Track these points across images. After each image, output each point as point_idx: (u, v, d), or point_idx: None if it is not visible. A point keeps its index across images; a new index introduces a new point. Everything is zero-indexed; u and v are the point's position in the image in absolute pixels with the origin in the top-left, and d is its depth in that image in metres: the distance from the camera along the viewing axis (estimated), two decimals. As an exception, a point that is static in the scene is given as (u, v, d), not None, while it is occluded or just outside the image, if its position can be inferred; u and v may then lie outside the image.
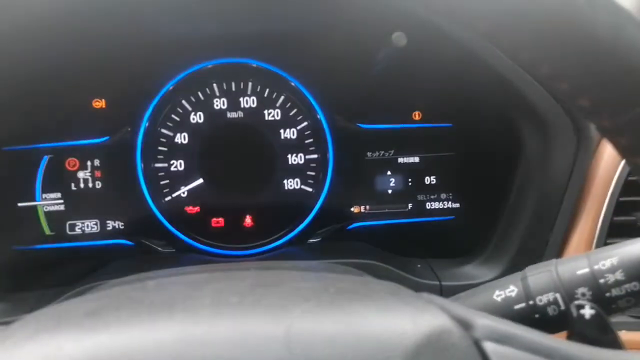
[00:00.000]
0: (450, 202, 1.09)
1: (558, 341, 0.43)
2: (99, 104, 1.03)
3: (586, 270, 0.57)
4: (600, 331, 0.49)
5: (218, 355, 0.36)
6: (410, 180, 1.09)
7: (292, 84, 1.03)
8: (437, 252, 1.03)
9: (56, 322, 0.41)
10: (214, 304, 0.41)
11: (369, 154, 1.08)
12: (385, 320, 0.40)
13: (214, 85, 1.03)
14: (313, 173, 1.06)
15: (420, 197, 1.09)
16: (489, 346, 0.41)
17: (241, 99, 1.04)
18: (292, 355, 0.36)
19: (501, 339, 0.42)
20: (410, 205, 1.09)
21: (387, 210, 1.08)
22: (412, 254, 1.02)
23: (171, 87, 1.01)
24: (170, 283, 0.49)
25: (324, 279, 0.49)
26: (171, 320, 0.39)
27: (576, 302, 0.52)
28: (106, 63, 0.97)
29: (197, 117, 1.03)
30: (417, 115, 1.08)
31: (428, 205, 1.09)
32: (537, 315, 0.58)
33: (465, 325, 0.43)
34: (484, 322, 0.44)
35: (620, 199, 0.87)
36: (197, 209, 1.04)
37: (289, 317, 0.39)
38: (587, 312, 0.50)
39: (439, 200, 1.09)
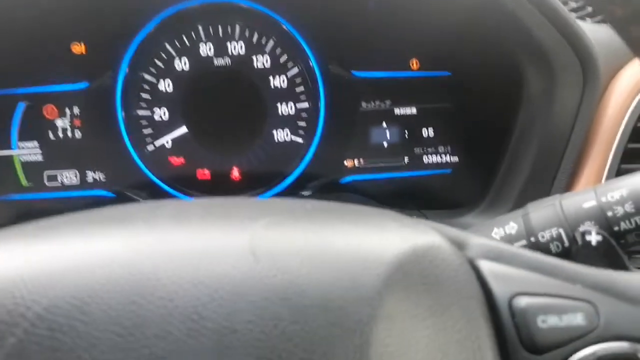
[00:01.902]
0: (448, 156, 1.04)
1: (561, 260, 0.38)
2: (79, 48, 0.97)
3: (593, 203, 0.52)
4: (607, 259, 0.45)
5: (177, 264, 0.32)
6: (406, 132, 1.03)
7: (283, 26, 0.97)
8: (434, 206, 0.98)
9: (2, 235, 0.37)
10: (174, 216, 0.36)
11: (363, 104, 1.02)
12: (367, 233, 0.36)
13: (200, 28, 0.97)
14: (304, 123, 1.00)
15: (417, 151, 1.04)
16: (484, 265, 0.37)
17: (228, 44, 0.98)
18: (258, 264, 0.32)
19: (498, 258, 0.37)
20: (406, 159, 1.04)
21: (382, 164, 1.03)
22: (408, 208, 0.97)
23: (153, 29, 0.95)
24: (133, 205, 0.44)
25: (303, 201, 0.44)
26: (126, 230, 0.35)
27: (581, 229, 0.47)
28: (86, 3, 0.92)
29: (181, 63, 0.98)
30: (414, 64, 1.02)
31: (425, 159, 1.04)
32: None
33: (458, 245, 0.38)
34: (479, 241, 0.39)
35: (629, 145, 0.82)
36: (181, 160, 0.99)
37: (254, 226, 0.34)
38: (594, 238, 0.45)
39: (436, 153, 1.04)
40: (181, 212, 0.36)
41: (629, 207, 0.51)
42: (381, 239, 0.35)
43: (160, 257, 0.31)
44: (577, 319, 0.33)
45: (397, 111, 1.03)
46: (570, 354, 0.33)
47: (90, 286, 0.30)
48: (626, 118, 0.82)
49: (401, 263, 0.33)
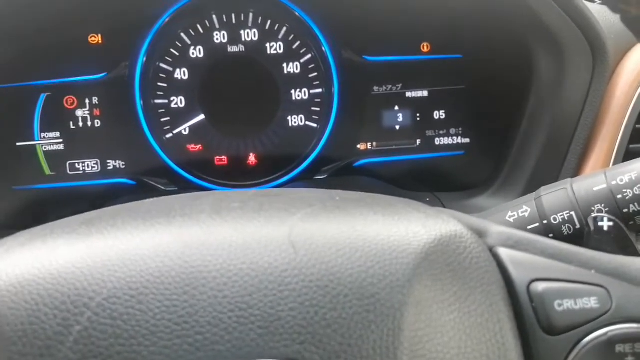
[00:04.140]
0: (460, 137, 1.06)
1: (577, 248, 0.41)
2: (95, 39, 0.99)
3: (603, 186, 0.55)
4: (618, 243, 0.47)
5: (224, 257, 0.34)
6: (418, 115, 1.05)
7: (296, 13, 0.99)
8: (446, 188, 1.00)
9: (50, 231, 0.40)
10: (214, 210, 0.39)
11: (375, 88, 1.04)
12: (394, 224, 0.38)
13: (214, 16, 0.99)
14: (318, 108, 1.03)
15: (428, 133, 1.06)
16: (503, 252, 0.39)
17: (242, 31, 1.00)
18: (297, 256, 0.34)
19: (516, 245, 0.40)
20: (418, 141, 1.06)
21: (394, 147, 1.06)
22: (421, 190, 1.00)
23: (168, 19, 0.97)
24: (169, 198, 0.47)
25: (331, 192, 0.46)
26: (169, 224, 0.37)
27: (593, 215, 0.49)
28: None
29: (196, 52, 0.99)
30: (425, 47, 1.04)
31: (437, 141, 1.06)
32: (551, 235, 0.56)
33: (478, 233, 0.41)
34: (498, 229, 0.42)
35: (637, 126, 0.83)
36: (199, 146, 1.02)
37: (291, 220, 0.37)
38: (606, 224, 0.48)
39: (448, 135, 1.06)
40: (222, 207, 0.39)
41: (638, 190, 0.53)
42: (408, 230, 0.37)
43: (208, 250, 0.34)
44: (591, 303, 0.36)
45: (409, 94, 1.05)
46: (585, 335, 0.36)
47: (145, 278, 0.33)
48: (634, 100, 0.83)
49: (428, 253, 0.36)
